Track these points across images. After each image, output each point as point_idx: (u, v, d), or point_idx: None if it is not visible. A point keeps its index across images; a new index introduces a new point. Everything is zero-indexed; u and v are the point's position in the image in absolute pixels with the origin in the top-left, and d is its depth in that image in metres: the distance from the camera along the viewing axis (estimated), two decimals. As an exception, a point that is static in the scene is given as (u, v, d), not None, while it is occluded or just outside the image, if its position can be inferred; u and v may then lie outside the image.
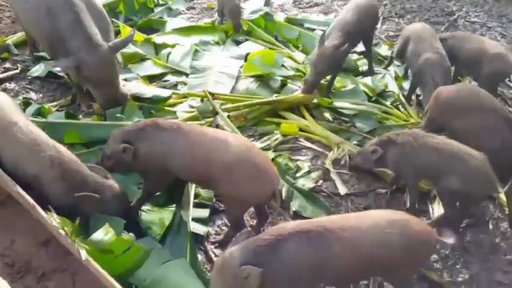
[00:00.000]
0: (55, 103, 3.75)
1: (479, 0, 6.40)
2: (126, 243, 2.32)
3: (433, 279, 2.67)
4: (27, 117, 2.89)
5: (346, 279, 2.31)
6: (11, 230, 2.49)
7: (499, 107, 3.28)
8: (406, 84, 4.34)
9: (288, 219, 2.88)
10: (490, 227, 3.03)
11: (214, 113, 3.55)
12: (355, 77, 4.45)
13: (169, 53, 4.39)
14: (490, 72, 3.93)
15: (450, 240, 2.29)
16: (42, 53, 4.18)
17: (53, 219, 2.32)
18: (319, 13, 5.85)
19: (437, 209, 3.08)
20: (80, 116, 3.54)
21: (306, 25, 5.38)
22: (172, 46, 4.50)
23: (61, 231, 2.27)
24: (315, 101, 3.94)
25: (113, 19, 4.65)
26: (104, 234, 2.33)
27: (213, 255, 2.70)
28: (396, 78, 4.48)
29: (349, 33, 3.89)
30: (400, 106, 4.11)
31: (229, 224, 2.85)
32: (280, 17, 5.36)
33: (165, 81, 4.13)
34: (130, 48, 4.30)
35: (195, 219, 2.82)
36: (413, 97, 4.20)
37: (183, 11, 5.59)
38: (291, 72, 4.33)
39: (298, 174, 3.33)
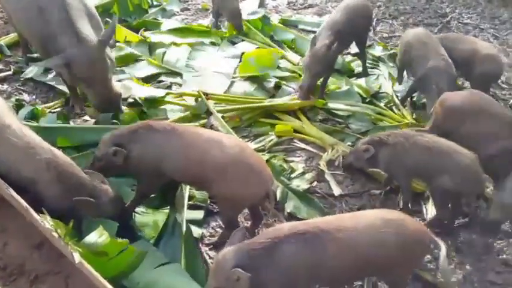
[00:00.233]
0: (48, 105, 3.73)
1: (472, 2, 6.45)
2: (120, 245, 2.30)
3: (427, 280, 2.68)
4: (21, 120, 2.87)
5: (341, 280, 2.31)
6: (3, 233, 2.47)
7: (504, 112, 3.25)
8: (398, 87, 4.36)
9: (282, 220, 2.88)
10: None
11: (209, 113, 3.55)
12: (349, 78, 4.46)
13: (164, 53, 4.38)
14: (483, 73, 3.96)
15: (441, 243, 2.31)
16: (35, 54, 4.16)
17: (46, 222, 2.31)
18: (313, 15, 5.87)
19: (430, 210, 3.09)
20: (73, 121, 3.51)
21: (301, 26, 5.41)
22: (168, 46, 4.49)
23: (54, 233, 2.26)
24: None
25: (108, 19, 4.64)
26: (97, 236, 2.32)
27: (207, 257, 2.69)
28: (390, 79, 4.51)
29: (339, 32, 3.88)
30: (394, 107, 4.13)
31: (223, 226, 2.85)
32: (274, 19, 5.37)
33: (160, 81, 4.12)
34: (125, 49, 4.29)
35: (190, 221, 2.81)
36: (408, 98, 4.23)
37: (178, 12, 5.59)
38: (286, 74, 4.34)
39: (292, 175, 3.33)
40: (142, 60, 4.29)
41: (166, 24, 5.03)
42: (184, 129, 2.70)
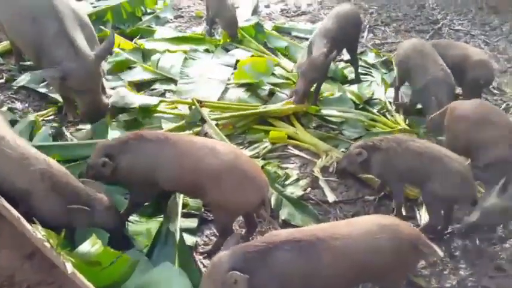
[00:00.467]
0: (41, 113, 3.72)
1: (463, 9, 6.54)
2: (113, 255, 2.29)
3: (421, 286, 2.68)
4: (15, 131, 2.85)
5: (337, 287, 2.31)
6: (-6, 243, 2.44)
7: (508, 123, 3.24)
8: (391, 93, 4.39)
9: (277, 227, 2.87)
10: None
11: (203, 121, 3.55)
12: (342, 84, 4.49)
13: (158, 60, 4.38)
14: (474, 79, 4.00)
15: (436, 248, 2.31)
16: (28, 62, 4.14)
17: (38, 232, 2.28)
18: (306, 22, 5.92)
19: (424, 215, 3.10)
20: (66, 129, 3.50)
21: (294, 33, 5.44)
22: (162, 53, 4.49)
23: (46, 243, 2.23)
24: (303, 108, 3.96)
25: (101, 27, 4.65)
26: (90, 246, 2.30)
27: (201, 266, 2.67)
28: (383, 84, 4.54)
29: (334, 39, 3.93)
30: (387, 113, 4.16)
31: (217, 234, 2.83)
32: (268, 26, 5.40)
33: (153, 89, 4.12)
34: (121, 55, 4.29)
35: (183, 230, 2.80)
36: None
37: (171, 19, 5.61)
38: (280, 80, 4.36)
39: (287, 182, 3.33)
40: (137, 66, 4.29)
41: (160, 31, 5.05)
42: (177, 137, 2.69)
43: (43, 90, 3.94)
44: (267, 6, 6.32)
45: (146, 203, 2.84)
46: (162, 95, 4.08)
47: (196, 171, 2.51)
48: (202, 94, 3.88)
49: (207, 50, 4.77)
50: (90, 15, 4.14)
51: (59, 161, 2.68)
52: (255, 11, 6.05)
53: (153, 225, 2.81)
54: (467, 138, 3.10)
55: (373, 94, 4.36)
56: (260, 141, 3.70)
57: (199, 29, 5.44)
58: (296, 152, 3.66)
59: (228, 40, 4.97)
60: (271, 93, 4.16)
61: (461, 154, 2.97)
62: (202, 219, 2.98)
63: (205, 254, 2.75)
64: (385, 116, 4.11)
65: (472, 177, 2.81)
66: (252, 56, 4.71)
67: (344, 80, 4.61)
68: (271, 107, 3.92)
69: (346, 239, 2.11)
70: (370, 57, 5.05)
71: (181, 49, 4.62)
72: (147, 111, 3.66)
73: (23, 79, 4.03)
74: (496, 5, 6.59)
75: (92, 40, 3.43)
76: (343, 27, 4.07)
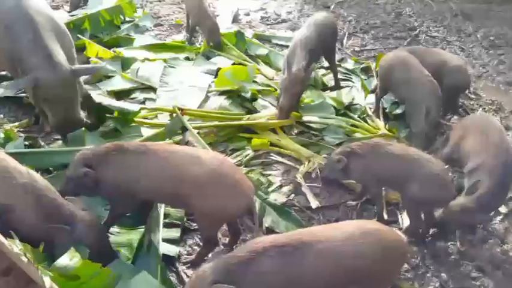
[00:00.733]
0: (17, 123, 3.63)
1: (438, 17, 6.70)
2: (93, 267, 2.22)
3: (405, 289, 2.71)
4: None
5: None
6: (-32, 259, 2.34)
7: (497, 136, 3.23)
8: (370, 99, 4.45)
9: (261, 235, 2.84)
10: (457, 234, 3.10)
11: (184, 129, 3.52)
12: (322, 91, 4.53)
13: (138, 68, 4.34)
14: (451, 84, 4.09)
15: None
16: (3, 72, 4.04)
17: (15, 246, 2.20)
18: (286, 29, 5.97)
19: (406, 219, 3.13)
20: (42, 140, 3.42)
21: (274, 41, 5.48)
22: (141, 61, 4.45)
23: (23, 258, 2.16)
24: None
25: (79, 35, 4.58)
26: (69, 259, 2.23)
27: (184, 276, 2.63)
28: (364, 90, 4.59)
29: (312, 50, 3.97)
30: (367, 118, 4.20)
31: (201, 243, 2.80)
32: (248, 34, 5.42)
33: (133, 98, 4.06)
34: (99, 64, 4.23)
35: (166, 240, 2.76)
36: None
37: (151, 27, 5.58)
38: (262, 88, 4.36)
39: (270, 189, 3.33)
40: (115, 76, 4.23)
41: (139, 40, 5.00)
42: (158, 147, 2.65)
43: (19, 100, 3.85)
44: (247, 14, 6.35)
45: (127, 214, 2.79)
46: (142, 103, 4.02)
47: (180, 181, 2.47)
48: (183, 102, 3.84)
49: (187, 58, 4.75)
50: (67, 24, 4.08)
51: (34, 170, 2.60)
52: (235, 19, 6.08)
53: (134, 236, 2.75)
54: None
55: (353, 100, 4.41)
56: (242, 148, 3.68)
57: (180, 37, 5.42)
58: (279, 158, 3.66)
59: (208, 47, 4.95)
60: (253, 100, 4.16)
61: None
62: (185, 229, 2.94)
63: (189, 264, 2.70)
64: (365, 121, 4.15)
65: (450, 180, 2.86)
66: (233, 63, 4.71)
67: (324, 87, 4.65)
68: (255, 116, 3.90)
69: (330, 243, 2.11)
70: (350, 64, 5.12)
71: (161, 57, 4.59)
72: (126, 120, 3.60)
73: (-2, 90, 3.94)
74: (470, 13, 6.78)
75: (68, 50, 3.36)
76: (320, 36, 4.11)
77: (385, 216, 3.14)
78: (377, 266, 2.16)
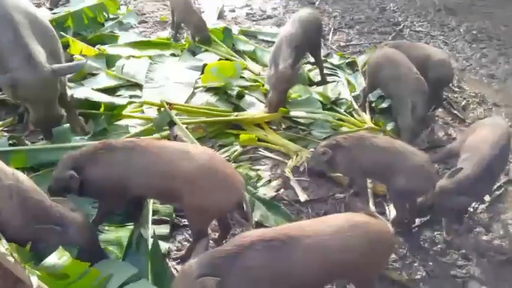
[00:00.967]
0: (1, 123, 3.57)
1: (422, 11, 6.79)
2: (82, 267, 2.20)
3: (392, 278, 2.74)
4: None
5: (309, 285, 2.31)
6: (-48, 261, 2.30)
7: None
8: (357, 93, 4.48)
9: (251, 228, 2.85)
10: (443, 224, 3.16)
11: (172, 123, 3.49)
12: (309, 86, 4.55)
13: (123, 65, 4.29)
14: (435, 78, 4.15)
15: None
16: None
17: (1, 246, 2.17)
18: (272, 25, 5.97)
19: (394, 211, 3.17)
20: (26, 138, 3.37)
21: (260, 37, 5.48)
22: (126, 58, 4.40)
23: (9, 258, 2.12)
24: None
25: (62, 33, 4.51)
26: (57, 258, 2.20)
27: (175, 272, 2.62)
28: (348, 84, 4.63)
29: (298, 47, 3.98)
30: (353, 113, 4.24)
31: (191, 238, 2.79)
32: (234, 30, 5.41)
33: (118, 95, 4.02)
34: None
35: (155, 236, 2.74)
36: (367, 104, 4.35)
37: (135, 25, 5.52)
38: (249, 83, 4.36)
39: (259, 184, 3.34)
40: (100, 73, 4.18)
41: (124, 37, 4.95)
42: (147, 143, 2.62)
43: (2, 99, 3.78)
44: (232, 11, 6.34)
45: (116, 212, 2.76)
46: (128, 102, 3.99)
47: (171, 176, 2.46)
48: (169, 98, 3.81)
49: (173, 55, 4.72)
50: (49, 22, 4.01)
51: (20, 168, 2.56)
52: (221, 16, 6.07)
53: (123, 233, 2.73)
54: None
55: (339, 94, 4.44)
56: (230, 144, 3.68)
57: (165, 34, 5.39)
58: (267, 153, 3.67)
59: (193, 43, 4.93)
60: (240, 96, 4.16)
61: None
62: (174, 225, 2.93)
63: (179, 260, 2.70)
64: (352, 115, 4.19)
65: (434, 171, 2.90)
66: (220, 59, 4.70)
67: (311, 82, 4.67)
68: (244, 114, 3.90)
69: (318, 237, 2.12)
70: (335, 59, 5.15)
71: (147, 54, 4.55)
72: (113, 116, 3.57)
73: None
74: (453, 7, 6.89)
75: (54, 48, 3.30)
76: (305, 32, 4.12)
77: (373, 208, 3.18)
78: (365, 258, 2.18)
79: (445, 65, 4.26)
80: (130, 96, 4.00)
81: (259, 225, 2.95)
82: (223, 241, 2.72)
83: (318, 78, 4.72)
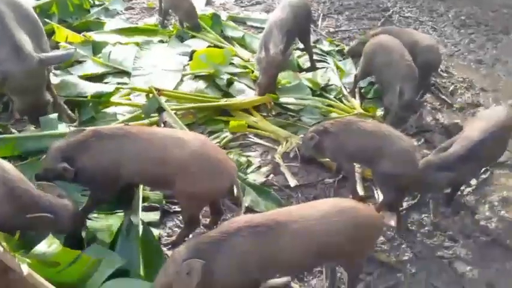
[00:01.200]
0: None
1: (411, -3, 6.79)
2: (72, 254, 2.20)
3: (381, 260, 2.79)
4: None
5: (296, 268, 2.34)
6: None
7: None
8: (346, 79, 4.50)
9: (241, 213, 2.87)
10: (431, 207, 3.21)
11: (160, 110, 3.46)
12: (299, 72, 4.54)
13: (110, 52, 4.23)
14: (423, 63, 4.16)
15: (392, 222, 2.40)
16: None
17: (-10, 234, 2.16)
18: (260, 11, 5.92)
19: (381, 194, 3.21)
20: (12, 127, 3.32)
21: (249, 23, 5.43)
22: (113, 45, 4.34)
23: (-2, 246, 2.11)
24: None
25: (46, 19, 4.43)
26: (47, 246, 2.19)
27: (166, 258, 2.63)
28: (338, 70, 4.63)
29: (288, 32, 3.97)
30: (343, 98, 4.25)
31: (181, 225, 2.80)
32: (222, 16, 5.36)
33: (106, 83, 3.96)
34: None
35: (146, 223, 2.74)
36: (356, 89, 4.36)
37: (122, 11, 5.43)
38: (238, 70, 4.34)
39: (249, 170, 3.35)
40: (86, 60, 4.12)
41: (110, 24, 4.87)
42: (137, 130, 2.60)
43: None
44: (221, -4, 6.27)
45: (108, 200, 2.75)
46: (116, 89, 3.94)
47: (163, 163, 2.45)
48: (158, 84, 3.78)
49: (161, 41, 4.66)
50: (33, 9, 3.92)
51: (5, 157, 2.53)
52: (209, 2, 6.00)
53: (113, 220, 2.73)
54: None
55: (329, 80, 4.44)
56: (220, 131, 3.68)
57: (152, 21, 5.31)
58: (257, 140, 3.67)
59: (181, 29, 4.87)
60: (229, 83, 4.14)
61: None
62: (164, 212, 2.93)
63: (170, 246, 2.70)
64: (341, 101, 4.20)
65: (417, 155, 2.94)
66: (209, 46, 4.66)
67: (301, 68, 4.67)
68: (233, 100, 3.89)
69: (304, 222, 2.14)
70: (325, 46, 5.14)
71: (134, 41, 4.49)
72: (101, 103, 3.53)
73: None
74: (441, -7, 6.90)
75: (38, 36, 3.24)
76: (295, 18, 4.11)
77: (361, 192, 3.22)
78: (351, 242, 2.20)
79: (433, 50, 4.28)
80: (118, 84, 3.96)
81: (250, 210, 2.97)
82: (215, 227, 2.73)
83: (308, 64, 4.72)
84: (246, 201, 3.02)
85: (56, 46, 4.21)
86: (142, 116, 3.51)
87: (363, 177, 3.35)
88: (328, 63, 4.81)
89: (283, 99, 4.06)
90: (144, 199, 2.91)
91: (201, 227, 2.79)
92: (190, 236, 2.71)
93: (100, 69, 4.06)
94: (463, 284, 2.73)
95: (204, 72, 4.15)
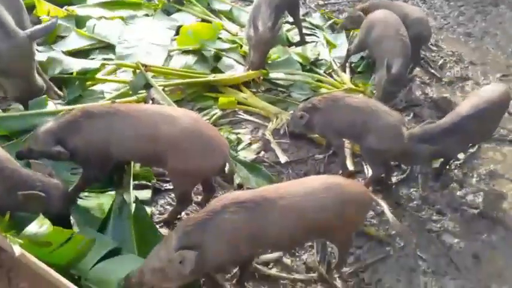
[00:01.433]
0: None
1: (400, -32, 6.66)
2: (65, 234, 2.19)
3: (370, 233, 2.85)
4: None
5: (286, 244, 2.38)
6: None
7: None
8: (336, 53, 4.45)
9: (233, 190, 2.88)
10: (419, 181, 3.26)
11: (148, 86, 3.39)
12: (288, 46, 4.48)
13: (94, 25, 4.08)
14: (413, 36, 4.12)
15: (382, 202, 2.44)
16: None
17: (-21, 217, 2.13)
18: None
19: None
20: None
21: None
22: (97, 19, 4.20)
23: (-11, 227, 2.09)
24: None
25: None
26: (38, 226, 2.18)
27: (159, 234, 2.64)
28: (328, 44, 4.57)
29: (277, 7, 3.91)
30: (333, 73, 4.22)
31: (173, 203, 2.80)
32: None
33: (91, 59, 3.86)
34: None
35: (137, 201, 2.73)
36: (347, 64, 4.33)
37: (105, -16, 5.22)
38: (227, 45, 4.26)
39: (239, 147, 3.34)
40: (69, 35, 3.97)
41: (93, -2, 4.69)
42: (127, 107, 2.56)
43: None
44: (208, -32, 6.06)
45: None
46: (101, 65, 3.84)
47: (155, 140, 2.42)
48: (145, 60, 3.69)
49: (146, 15, 4.52)
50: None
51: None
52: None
53: (104, 199, 2.71)
54: None
55: (319, 55, 4.40)
56: (209, 107, 3.64)
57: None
58: (247, 116, 3.65)
59: (171, 2, 4.74)
60: (218, 58, 4.06)
61: None
62: (155, 190, 2.92)
63: (162, 224, 2.71)
64: (331, 76, 4.17)
65: (404, 130, 2.95)
66: (196, 20, 4.54)
67: (290, 43, 4.60)
68: (222, 76, 3.82)
69: (292, 198, 2.16)
70: (315, 18, 5.06)
71: (118, 15, 4.35)
72: (87, 80, 3.44)
73: None
74: (431, -36, 6.78)
75: (17, 11, 3.10)
76: None
77: (351, 167, 3.24)
78: (339, 218, 2.23)
79: (422, 23, 4.25)
80: (104, 59, 3.85)
81: (241, 187, 2.98)
82: (207, 204, 2.74)
83: (297, 38, 4.65)
84: (237, 178, 3.03)
85: (37, 21, 4.05)
86: (130, 92, 3.44)
87: (353, 152, 3.38)
88: (318, 36, 4.75)
89: (272, 75, 4.02)
90: (135, 177, 2.89)
91: (193, 204, 2.80)
92: (183, 213, 2.73)
93: (84, 43, 3.93)
94: (450, 256, 2.81)
95: (191, 47, 4.06)
